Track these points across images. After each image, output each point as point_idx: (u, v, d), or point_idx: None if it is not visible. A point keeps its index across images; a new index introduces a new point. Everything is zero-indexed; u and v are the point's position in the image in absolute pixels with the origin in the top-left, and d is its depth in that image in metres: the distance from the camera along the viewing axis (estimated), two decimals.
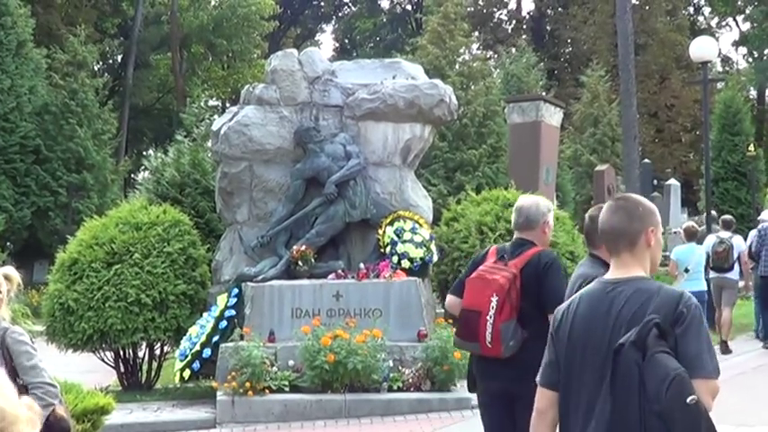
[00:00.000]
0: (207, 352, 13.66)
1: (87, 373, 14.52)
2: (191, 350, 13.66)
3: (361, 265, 14.51)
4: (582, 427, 4.22)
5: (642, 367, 3.92)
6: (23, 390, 6.26)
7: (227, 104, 56.71)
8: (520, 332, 6.49)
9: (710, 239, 18.83)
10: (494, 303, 6.56)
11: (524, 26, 69.80)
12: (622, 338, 4.02)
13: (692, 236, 18.30)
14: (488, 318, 6.56)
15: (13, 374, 6.28)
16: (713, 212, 23.53)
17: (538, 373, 4.58)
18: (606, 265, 6.07)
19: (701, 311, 4.15)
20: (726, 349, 17.85)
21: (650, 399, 3.87)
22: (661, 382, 3.86)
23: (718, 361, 4.08)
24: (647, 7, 58.74)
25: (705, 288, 17.97)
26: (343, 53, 72.64)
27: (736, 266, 18.70)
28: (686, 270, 17.57)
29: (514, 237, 7.05)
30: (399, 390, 13.26)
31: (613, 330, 4.16)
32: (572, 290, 6.08)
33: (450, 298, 7.24)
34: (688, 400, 3.83)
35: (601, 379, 4.14)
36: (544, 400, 4.50)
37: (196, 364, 13.62)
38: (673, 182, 38.92)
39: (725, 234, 18.92)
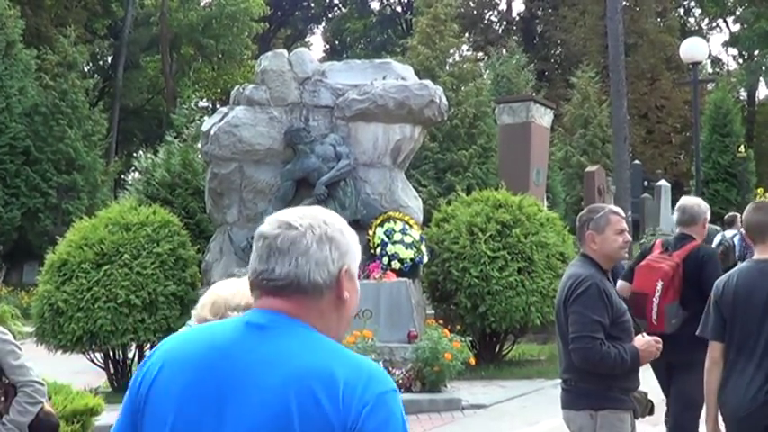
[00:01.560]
0: None
1: (77, 374, 14.47)
2: None
3: None
4: (744, 365, 5.90)
5: None
6: (11, 388, 6.28)
7: (218, 105, 56.61)
8: (681, 312, 7.69)
9: (718, 239, 18.96)
10: (659, 287, 7.80)
11: (515, 27, 69.75)
12: None
13: None
14: (654, 299, 7.81)
15: None
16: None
17: (693, 345, 6.48)
18: (596, 264, 6.10)
19: None
20: None
21: None
22: None
23: None
24: (638, 8, 58.77)
25: None
26: (333, 54, 72.59)
27: None
28: None
29: (677, 232, 8.39)
30: None
31: None
32: (562, 290, 6.08)
33: (620, 283, 8.37)
34: None
35: (760, 328, 5.88)
36: (717, 350, 6.08)
37: None
38: (663, 183, 38.89)
39: (728, 233, 19.10)
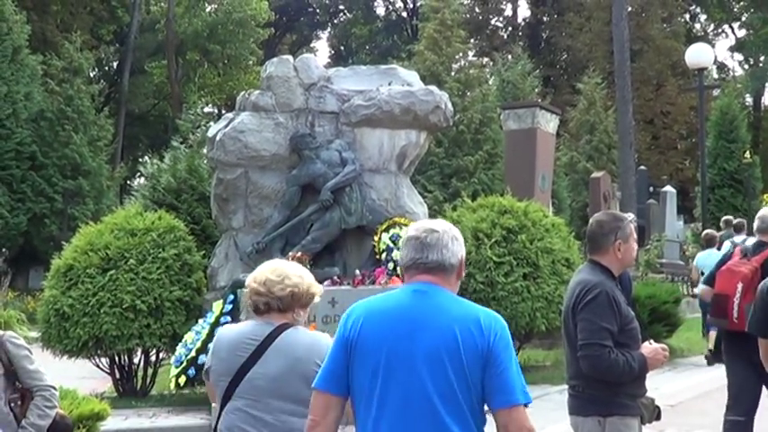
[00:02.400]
0: (202, 358, 13.61)
1: (83, 379, 14.51)
2: (186, 356, 13.62)
3: (357, 272, 14.48)
4: None
5: None
6: (27, 393, 6.34)
7: (223, 111, 56.73)
8: None
9: (726, 245, 19.21)
10: (739, 288, 8.68)
11: (520, 33, 69.78)
12: None
13: (709, 242, 18.99)
14: (735, 300, 8.69)
15: (12, 378, 6.34)
16: (731, 218, 23.80)
17: None
18: (607, 272, 6.08)
19: None
20: None
21: None
22: None
23: None
24: (643, 14, 58.80)
25: None
26: (338, 60, 72.64)
27: None
28: (702, 273, 17.99)
29: (756, 239, 9.22)
30: None
31: None
32: (571, 297, 6.07)
33: (703, 287, 9.76)
34: None
35: None
36: (764, 346, 7.22)
37: (192, 371, 13.57)
38: (669, 189, 38.85)
39: (738, 238, 19.39)
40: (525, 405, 4.25)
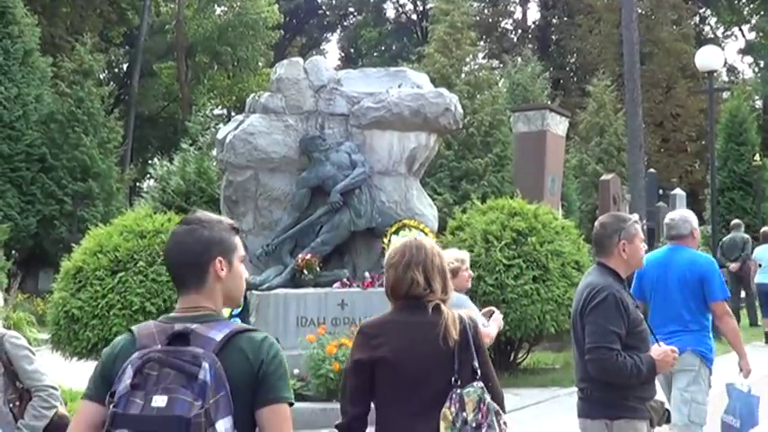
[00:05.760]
0: None
1: None
2: None
3: (366, 274, 14.48)
4: None
5: None
6: (26, 393, 6.33)
7: (233, 113, 56.71)
8: None
9: None
10: None
11: (530, 35, 69.71)
12: None
13: (766, 238, 21.77)
14: None
15: (12, 378, 6.34)
16: (739, 221, 25.91)
17: None
18: (614, 274, 6.06)
19: None
20: None
21: None
22: None
23: None
24: (653, 17, 58.69)
25: None
26: (348, 62, 72.61)
27: None
28: (760, 266, 21.32)
29: None
30: None
31: None
32: (579, 299, 6.06)
33: None
34: None
35: None
36: None
37: None
38: (678, 191, 38.79)
39: None
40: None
